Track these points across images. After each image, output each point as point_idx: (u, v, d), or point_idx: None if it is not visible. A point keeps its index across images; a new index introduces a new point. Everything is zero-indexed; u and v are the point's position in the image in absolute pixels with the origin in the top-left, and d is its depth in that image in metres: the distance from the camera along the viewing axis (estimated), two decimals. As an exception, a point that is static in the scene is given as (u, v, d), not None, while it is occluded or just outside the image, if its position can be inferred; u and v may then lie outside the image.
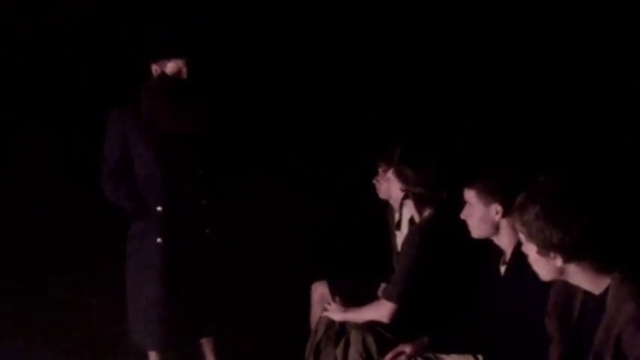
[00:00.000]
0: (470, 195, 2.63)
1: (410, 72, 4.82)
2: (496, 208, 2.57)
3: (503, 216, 2.57)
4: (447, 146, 3.22)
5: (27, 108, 5.00)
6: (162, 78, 3.24)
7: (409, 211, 3.23)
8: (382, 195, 3.51)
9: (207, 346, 3.68)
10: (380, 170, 3.49)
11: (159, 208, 3.32)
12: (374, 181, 3.53)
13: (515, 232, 2.51)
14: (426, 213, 3.08)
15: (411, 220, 3.25)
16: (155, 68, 3.26)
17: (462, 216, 2.68)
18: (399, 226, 3.43)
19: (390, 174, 3.18)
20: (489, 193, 2.57)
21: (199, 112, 3.25)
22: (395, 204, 3.44)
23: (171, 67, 3.22)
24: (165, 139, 3.26)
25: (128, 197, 3.34)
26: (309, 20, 4.81)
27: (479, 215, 2.62)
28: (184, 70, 3.21)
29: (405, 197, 3.18)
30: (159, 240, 3.34)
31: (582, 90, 4.57)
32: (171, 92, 3.22)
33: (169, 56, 3.22)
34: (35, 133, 4.99)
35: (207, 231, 3.42)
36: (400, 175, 3.07)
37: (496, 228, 2.61)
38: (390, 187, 3.30)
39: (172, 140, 3.27)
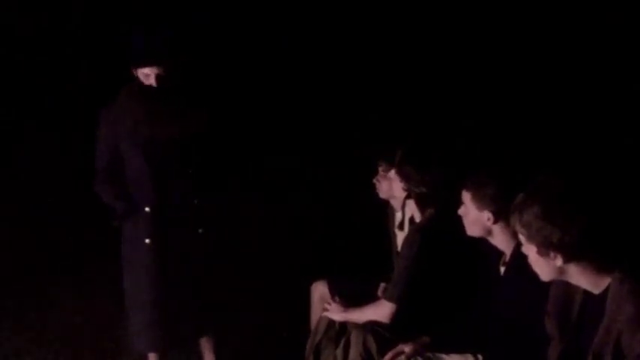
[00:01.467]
0: (465, 197, 2.64)
1: (410, 72, 4.83)
2: (488, 215, 2.57)
3: (495, 222, 2.57)
4: (448, 146, 3.21)
5: (27, 108, 5.01)
6: (133, 84, 3.26)
7: (411, 210, 3.23)
8: (383, 195, 3.50)
9: (206, 347, 3.68)
10: (380, 170, 3.48)
11: (147, 209, 3.32)
12: (374, 181, 3.52)
13: (508, 234, 2.52)
14: (427, 213, 3.08)
15: (412, 220, 3.25)
16: (134, 71, 3.28)
17: (459, 213, 2.69)
18: (401, 226, 3.42)
19: (393, 174, 3.18)
20: (483, 200, 2.57)
21: (169, 119, 3.25)
22: (397, 204, 3.44)
23: (141, 73, 3.23)
24: (153, 139, 3.26)
25: (118, 197, 3.34)
26: (309, 20, 4.81)
27: (472, 217, 2.62)
28: (152, 76, 3.20)
29: (407, 197, 3.18)
30: (147, 241, 3.33)
31: (582, 90, 4.58)
32: (136, 99, 3.24)
33: (134, 65, 3.23)
34: (35, 133, 5.00)
35: (200, 231, 3.41)
36: (403, 175, 3.07)
37: (489, 231, 2.61)
38: (392, 186, 3.29)
39: (161, 140, 3.27)
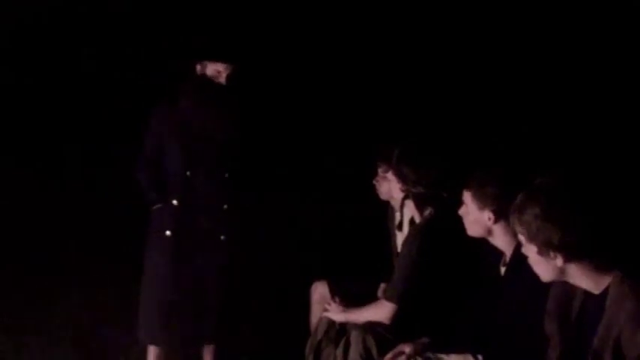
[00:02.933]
0: (466, 196, 2.64)
1: (410, 72, 4.82)
2: (489, 215, 2.57)
3: (496, 222, 2.57)
4: (446, 146, 3.22)
5: (27, 108, 5.01)
6: (200, 79, 3.27)
7: (410, 211, 3.23)
8: (383, 196, 3.51)
9: (206, 350, 3.67)
10: (380, 171, 3.48)
11: (174, 202, 3.35)
12: (374, 182, 3.53)
13: (509, 234, 2.52)
14: (427, 213, 3.08)
15: (412, 221, 3.25)
16: (198, 68, 3.29)
17: (460, 213, 2.69)
18: (400, 226, 3.43)
19: (390, 174, 3.19)
20: (484, 199, 2.57)
21: (230, 118, 3.29)
22: (396, 204, 3.44)
23: (212, 69, 3.25)
24: (196, 139, 3.30)
25: (153, 187, 3.41)
26: (310, 22, 4.82)
27: (473, 217, 2.62)
28: (224, 74, 3.22)
29: (405, 197, 3.18)
30: (168, 233, 3.37)
31: (582, 90, 4.58)
32: (204, 95, 3.26)
33: (211, 58, 3.24)
34: (35, 132, 5.00)
35: (222, 238, 3.42)
36: (399, 175, 3.08)
37: (489, 231, 2.61)
38: (390, 187, 3.30)
39: (202, 141, 3.31)
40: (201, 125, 3.29)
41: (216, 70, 3.24)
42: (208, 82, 3.26)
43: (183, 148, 3.35)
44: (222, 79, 3.23)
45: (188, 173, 3.35)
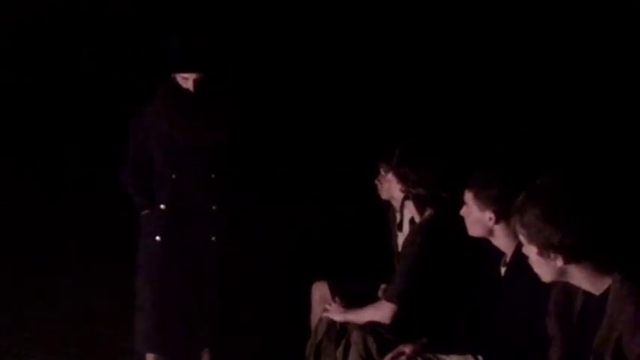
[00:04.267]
0: (468, 197, 2.64)
1: (410, 73, 4.83)
2: (490, 215, 2.57)
3: (497, 222, 2.56)
4: (446, 146, 3.22)
5: (27, 108, 5.01)
6: (172, 87, 3.26)
7: (410, 211, 3.23)
8: (384, 196, 3.50)
9: (204, 351, 3.66)
10: (381, 171, 3.48)
11: (162, 207, 3.34)
12: (375, 182, 3.52)
13: (510, 235, 2.52)
14: (427, 213, 3.08)
15: (412, 221, 3.25)
16: (173, 75, 3.28)
17: (461, 213, 2.69)
18: (400, 227, 3.43)
19: (390, 175, 3.19)
20: (485, 200, 2.57)
21: (202, 125, 3.27)
22: (396, 205, 3.44)
23: (179, 76, 3.24)
24: (172, 142, 3.29)
25: (138, 191, 3.39)
26: (310, 22, 4.82)
27: (474, 217, 2.62)
28: (190, 80, 3.21)
29: (405, 198, 3.18)
30: (158, 238, 3.35)
31: (582, 90, 4.58)
32: (173, 104, 3.26)
33: (174, 69, 3.24)
34: (35, 133, 5.00)
35: (213, 239, 3.41)
36: (399, 176, 3.08)
37: (490, 232, 2.61)
38: (391, 187, 3.30)
39: (180, 144, 3.29)
40: (171, 129, 3.27)
41: (181, 76, 3.24)
42: (176, 87, 3.25)
43: (164, 150, 3.32)
44: (190, 86, 3.22)
45: (173, 176, 3.33)
